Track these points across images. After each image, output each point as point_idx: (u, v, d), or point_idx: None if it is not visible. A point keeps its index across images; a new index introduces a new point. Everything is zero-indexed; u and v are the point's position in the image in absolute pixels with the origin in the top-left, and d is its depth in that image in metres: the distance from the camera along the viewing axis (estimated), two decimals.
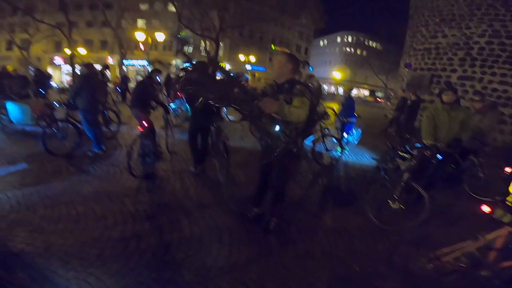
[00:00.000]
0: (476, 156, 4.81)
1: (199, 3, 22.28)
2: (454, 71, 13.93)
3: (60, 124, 5.32)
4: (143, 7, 30.90)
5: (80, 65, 5.44)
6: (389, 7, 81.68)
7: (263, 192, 3.30)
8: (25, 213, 3.23)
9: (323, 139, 5.78)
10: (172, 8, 26.74)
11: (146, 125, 4.34)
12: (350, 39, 57.55)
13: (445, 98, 3.85)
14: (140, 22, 31.37)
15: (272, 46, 38.50)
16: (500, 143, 11.39)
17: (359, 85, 56.52)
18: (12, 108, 6.70)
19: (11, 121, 6.77)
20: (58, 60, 32.70)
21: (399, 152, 3.96)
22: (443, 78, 14.24)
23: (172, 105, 7.86)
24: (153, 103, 4.95)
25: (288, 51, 42.76)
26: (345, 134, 6.57)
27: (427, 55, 14.99)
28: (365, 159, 6.75)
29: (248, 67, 33.62)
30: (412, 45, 16.09)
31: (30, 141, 6.00)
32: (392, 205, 3.59)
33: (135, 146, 4.33)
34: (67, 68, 30.90)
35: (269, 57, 38.56)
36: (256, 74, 35.99)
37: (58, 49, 31.50)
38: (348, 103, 6.62)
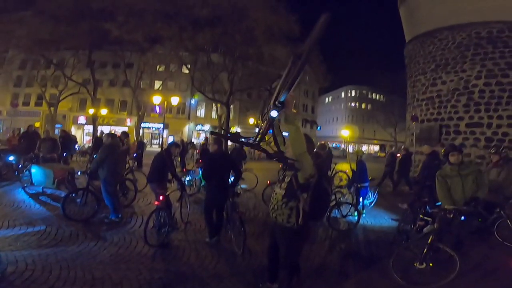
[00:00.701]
0: (503, 209, 4.68)
1: (209, 66, 24.07)
2: (460, 118, 13.65)
3: (79, 191, 5.54)
4: (160, 68, 33.09)
5: (103, 134, 5.84)
6: (386, 57, 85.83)
7: (276, 267, 3.13)
8: (41, 273, 3.23)
9: (338, 206, 5.78)
10: (186, 70, 28.39)
11: (162, 199, 4.50)
12: (353, 93, 59.08)
13: (452, 159, 3.92)
14: (157, 85, 33.35)
15: None
16: None
17: (368, 142, 56.18)
18: (36, 171, 6.97)
19: (32, 183, 7.01)
20: (81, 119, 33.94)
21: (421, 216, 3.87)
22: (452, 127, 13.96)
23: (187, 178, 7.96)
24: (170, 176, 5.15)
25: (296, 111, 44.28)
26: (361, 199, 6.54)
27: (431, 104, 14.80)
28: (384, 220, 6.57)
29: (257, 130, 33.73)
30: (414, 95, 16.01)
31: (49, 204, 6.14)
32: (418, 267, 3.39)
33: (151, 218, 4.44)
34: (89, 128, 32.03)
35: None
36: (266, 137, 36.10)
37: (82, 107, 32.82)
38: (361, 168, 6.69)
